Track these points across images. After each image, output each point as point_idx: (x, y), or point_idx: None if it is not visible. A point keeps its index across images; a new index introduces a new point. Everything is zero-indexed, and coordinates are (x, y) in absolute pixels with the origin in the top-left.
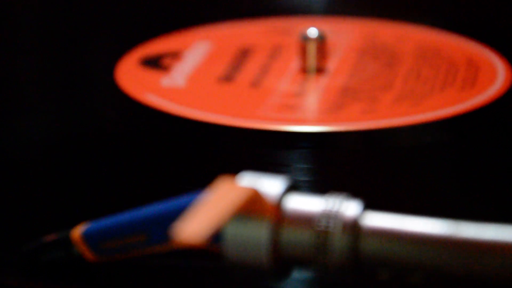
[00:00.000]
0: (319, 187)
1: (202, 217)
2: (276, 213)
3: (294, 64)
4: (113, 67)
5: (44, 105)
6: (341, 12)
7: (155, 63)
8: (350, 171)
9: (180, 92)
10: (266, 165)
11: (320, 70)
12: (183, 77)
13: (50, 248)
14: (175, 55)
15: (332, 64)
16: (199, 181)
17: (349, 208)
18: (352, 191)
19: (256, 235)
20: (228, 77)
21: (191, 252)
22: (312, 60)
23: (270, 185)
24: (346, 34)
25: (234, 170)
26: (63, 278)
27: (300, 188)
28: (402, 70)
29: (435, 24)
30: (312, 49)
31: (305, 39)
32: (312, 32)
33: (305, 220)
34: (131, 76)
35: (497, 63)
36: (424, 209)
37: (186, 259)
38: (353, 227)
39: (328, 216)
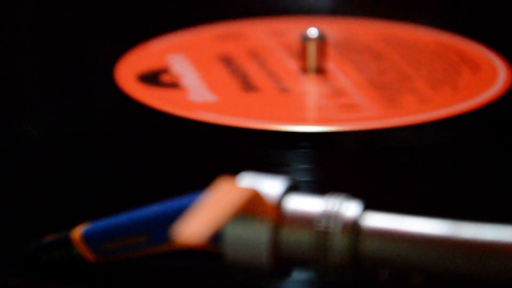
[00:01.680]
0: (319, 188)
1: (202, 218)
2: (276, 214)
3: (294, 64)
4: (113, 67)
5: (44, 105)
6: (342, 12)
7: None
8: (350, 171)
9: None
10: (266, 165)
11: (320, 70)
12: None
13: (50, 249)
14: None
15: (332, 64)
16: (199, 181)
17: (349, 208)
18: (352, 192)
19: (256, 236)
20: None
21: (191, 253)
22: (312, 60)
23: (270, 186)
24: (346, 35)
25: (234, 170)
26: (63, 278)
27: (300, 189)
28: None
29: (435, 25)
30: (312, 49)
31: (305, 39)
32: (312, 32)
33: (305, 221)
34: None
35: (497, 63)
36: (424, 209)
37: (186, 260)
38: (353, 228)
39: (328, 217)
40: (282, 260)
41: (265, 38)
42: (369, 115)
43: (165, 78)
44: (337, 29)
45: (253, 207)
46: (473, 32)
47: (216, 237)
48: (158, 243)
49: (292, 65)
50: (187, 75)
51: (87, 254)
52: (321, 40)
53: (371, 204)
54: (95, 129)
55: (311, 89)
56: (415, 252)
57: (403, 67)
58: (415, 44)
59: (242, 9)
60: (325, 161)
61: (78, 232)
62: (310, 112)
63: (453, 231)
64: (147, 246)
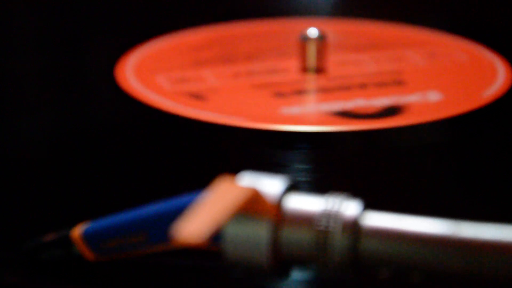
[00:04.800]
0: (319, 187)
1: (202, 217)
2: (276, 213)
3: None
4: (113, 67)
5: (44, 105)
6: (341, 13)
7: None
8: (350, 171)
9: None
10: (266, 165)
11: (320, 70)
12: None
13: (50, 248)
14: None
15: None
16: (199, 181)
17: (349, 208)
18: (352, 191)
19: (256, 235)
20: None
21: (191, 252)
22: (312, 60)
23: (270, 185)
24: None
25: (234, 170)
26: (63, 277)
27: (300, 188)
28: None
29: (435, 25)
30: (312, 49)
31: (305, 39)
32: (312, 32)
33: (305, 220)
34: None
35: (497, 63)
36: (424, 209)
37: (186, 259)
38: (353, 227)
39: (328, 216)
40: (282, 259)
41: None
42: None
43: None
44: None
45: (253, 206)
46: (473, 32)
47: (216, 236)
48: (158, 242)
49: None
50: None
51: (87, 253)
52: (321, 40)
53: (371, 203)
54: (95, 129)
55: (310, 89)
56: (415, 251)
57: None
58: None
59: (241, 9)
60: (325, 161)
61: (78, 231)
62: (310, 111)
63: (453, 231)
64: (147, 245)
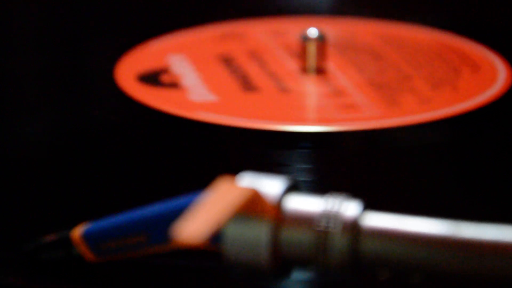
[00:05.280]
0: (319, 187)
1: (202, 218)
2: (276, 213)
3: (294, 64)
4: (113, 67)
5: (44, 105)
6: (342, 12)
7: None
8: (350, 171)
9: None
10: (266, 165)
11: (320, 70)
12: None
13: (50, 248)
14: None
15: (332, 64)
16: (199, 181)
17: (349, 208)
18: (352, 191)
19: (256, 236)
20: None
21: (191, 252)
22: (312, 60)
23: (270, 185)
24: (346, 35)
25: (234, 170)
26: (63, 278)
27: (300, 188)
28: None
29: (435, 24)
30: (312, 49)
31: (305, 39)
32: (312, 32)
33: (305, 221)
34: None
35: (497, 63)
36: (424, 209)
37: (186, 259)
38: (353, 227)
39: (328, 216)
40: (282, 260)
41: (265, 38)
42: (369, 115)
43: (165, 78)
44: (337, 29)
45: (253, 207)
46: (473, 32)
47: (216, 237)
48: (158, 243)
49: (292, 65)
50: (187, 75)
51: (87, 253)
52: (321, 40)
53: (371, 204)
54: (95, 129)
55: (311, 89)
56: (415, 252)
57: (403, 67)
58: (415, 44)
59: (242, 9)
60: (325, 161)
61: (78, 231)
62: (310, 112)
63: (453, 231)
64: (147, 246)
